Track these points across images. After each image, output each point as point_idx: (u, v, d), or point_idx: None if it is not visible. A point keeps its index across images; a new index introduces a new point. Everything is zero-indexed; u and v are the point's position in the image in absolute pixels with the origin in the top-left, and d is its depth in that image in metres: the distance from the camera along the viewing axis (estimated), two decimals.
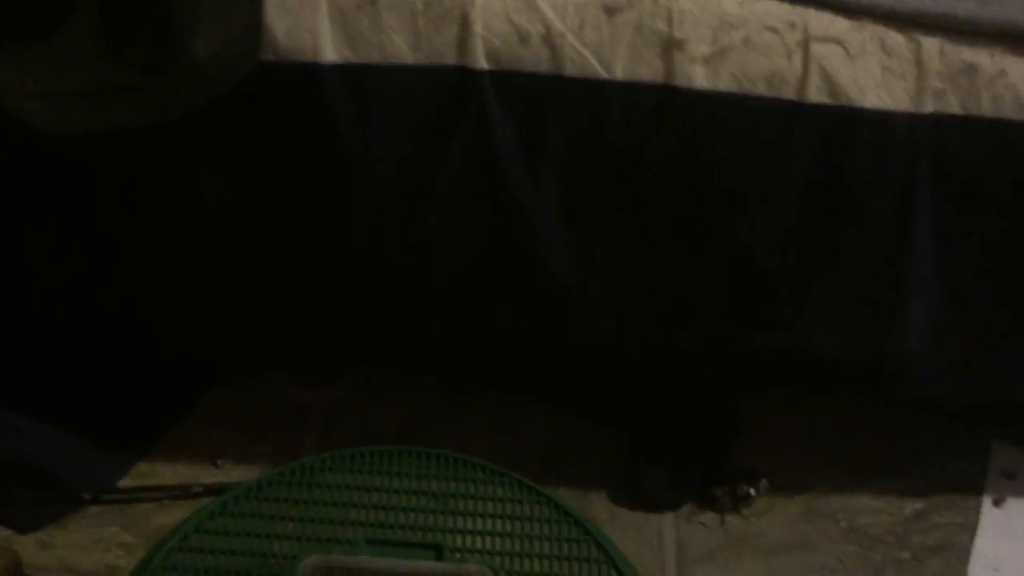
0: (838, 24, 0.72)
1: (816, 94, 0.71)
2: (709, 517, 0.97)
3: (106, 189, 0.81)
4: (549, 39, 0.71)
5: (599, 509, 0.97)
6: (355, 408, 1.03)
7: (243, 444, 0.98)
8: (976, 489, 1.01)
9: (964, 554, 0.95)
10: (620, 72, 0.71)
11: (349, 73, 0.72)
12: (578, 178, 0.76)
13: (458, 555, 0.68)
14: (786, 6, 0.72)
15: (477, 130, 0.73)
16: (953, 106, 0.72)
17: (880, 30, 0.72)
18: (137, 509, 0.93)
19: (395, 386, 1.04)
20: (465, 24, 0.71)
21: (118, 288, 0.89)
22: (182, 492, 0.93)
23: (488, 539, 0.70)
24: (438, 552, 0.69)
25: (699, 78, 0.71)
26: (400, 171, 0.76)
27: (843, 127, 0.72)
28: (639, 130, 0.72)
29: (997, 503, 1.00)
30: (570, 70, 0.71)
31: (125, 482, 0.94)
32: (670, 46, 0.71)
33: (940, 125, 0.72)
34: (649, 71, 0.72)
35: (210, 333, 0.92)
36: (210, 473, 0.96)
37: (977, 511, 0.99)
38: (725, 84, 0.71)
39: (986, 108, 0.71)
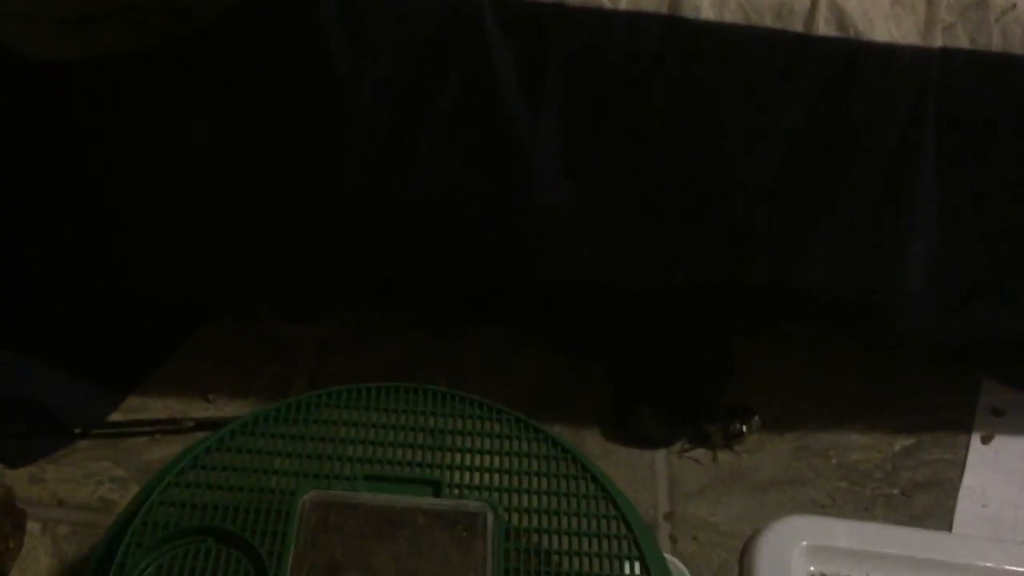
0: None
1: (824, 26, 0.70)
2: (701, 453, 0.98)
3: (90, 118, 0.79)
4: None
5: (592, 445, 0.97)
6: (345, 344, 1.02)
7: (234, 379, 0.98)
8: (965, 427, 1.02)
9: (952, 490, 0.97)
10: (624, 2, 0.70)
11: (345, 2, 0.70)
12: (577, 109, 0.74)
13: (456, 491, 0.68)
14: None
15: (475, 58, 0.71)
16: (962, 40, 0.71)
17: None
18: (128, 443, 0.92)
19: (385, 323, 1.04)
20: None
21: (104, 222, 0.88)
22: (173, 426, 0.93)
23: (486, 475, 0.70)
24: (436, 488, 0.69)
25: (705, 9, 0.70)
26: (394, 98, 0.74)
27: (850, 61, 0.71)
28: (642, 62, 0.71)
29: (985, 440, 1.01)
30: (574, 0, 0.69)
31: (116, 416, 0.94)
32: None
33: (948, 60, 0.71)
34: (654, 2, 0.70)
35: (199, 267, 0.91)
36: (201, 407, 0.96)
37: (966, 448, 1.00)
38: (731, 15, 0.70)
39: (995, 43, 0.70)
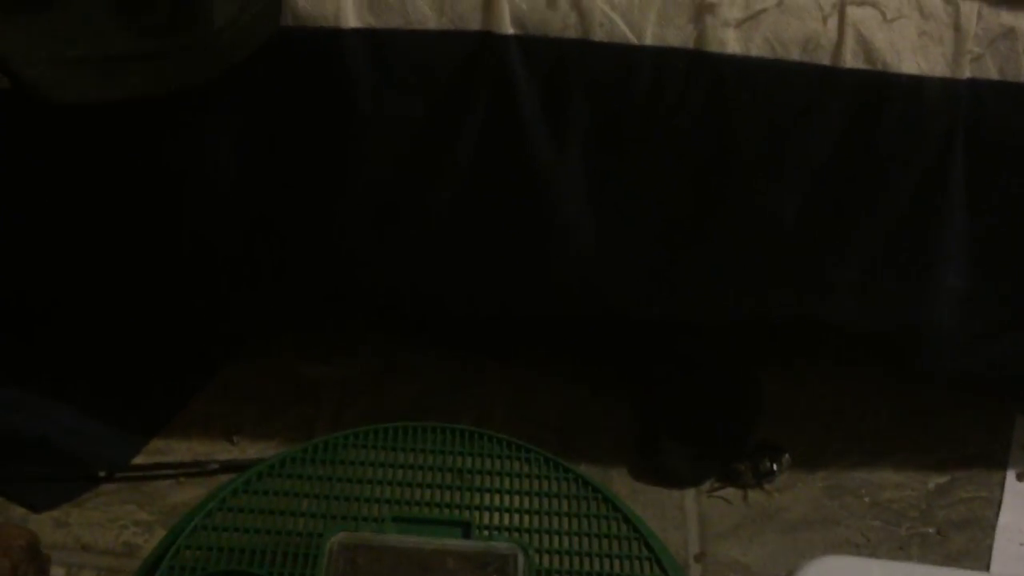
0: None
1: (851, 59, 0.69)
2: (731, 492, 0.96)
3: (114, 158, 0.80)
4: (577, 3, 0.69)
5: (619, 485, 0.96)
6: (369, 384, 1.01)
7: (258, 420, 0.97)
8: (1000, 463, 1.00)
9: (989, 528, 0.95)
10: (650, 37, 0.69)
11: (370, 39, 0.70)
12: (602, 146, 0.74)
13: (486, 533, 0.67)
14: None
15: (500, 96, 0.71)
16: (991, 71, 0.70)
17: None
18: (152, 486, 0.92)
19: (408, 362, 1.03)
20: None
21: (128, 261, 0.88)
22: (198, 469, 0.92)
23: (515, 516, 0.69)
24: (466, 529, 0.68)
25: (731, 43, 0.69)
26: (418, 138, 0.74)
27: (878, 93, 0.70)
28: (667, 97, 0.71)
29: (1020, 477, 0.99)
30: (598, 35, 0.69)
31: (140, 459, 0.93)
32: (701, 10, 0.69)
33: (977, 91, 0.70)
34: (680, 36, 0.70)
35: (223, 304, 0.91)
36: (225, 449, 0.95)
37: (1001, 485, 0.98)
38: (758, 49, 0.69)
39: None
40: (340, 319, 0.94)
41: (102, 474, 0.91)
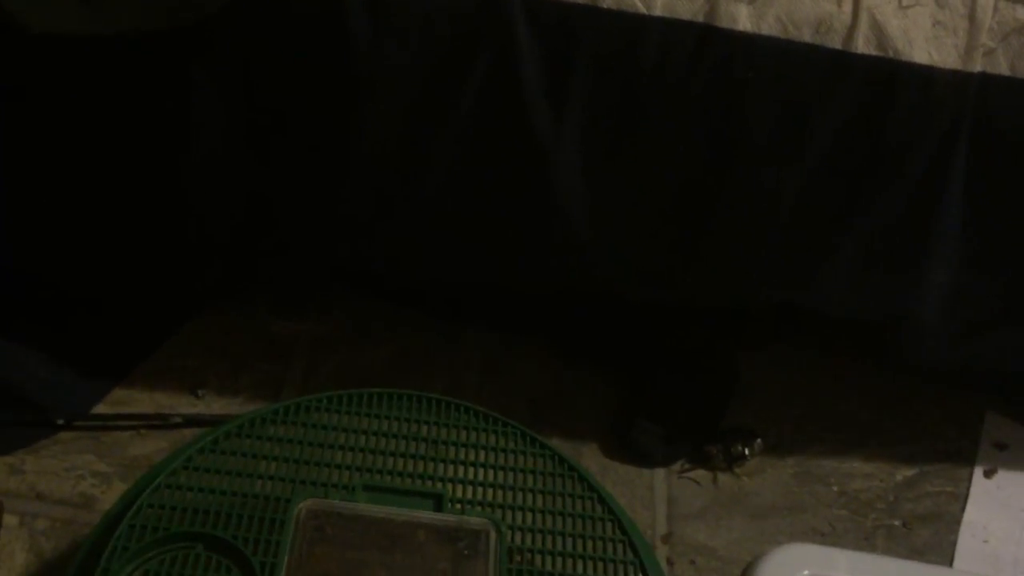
0: None
1: (863, 45, 0.68)
2: (701, 474, 0.95)
3: (91, 95, 0.76)
4: None
5: (590, 461, 0.95)
6: (341, 345, 0.99)
7: (225, 375, 0.95)
8: (968, 459, 1.00)
9: (954, 524, 0.95)
10: (659, 8, 0.67)
11: None
12: (601, 114, 0.72)
13: (458, 507, 0.66)
14: None
15: (502, 58, 0.68)
16: (1002, 66, 0.69)
17: None
18: (112, 437, 0.89)
19: (383, 324, 1.01)
20: None
21: (99, 203, 0.85)
22: (160, 421, 0.90)
23: (488, 491, 0.67)
24: (438, 502, 0.66)
25: (742, 20, 0.67)
26: (414, 90, 0.71)
27: (888, 81, 0.69)
28: (674, 70, 0.68)
29: (988, 474, 1.00)
30: (607, 2, 0.67)
31: (100, 409, 0.90)
32: None
33: (987, 85, 0.69)
34: (690, 8, 0.67)
35: (196, 252, 0.88)
36: (190, 403, 0.92)
37: (968, 481, 0.98)
38: (769, 28, 0.67)
39: None
40: (320, 278, 0.91)
41: (60, 422, 0.88)
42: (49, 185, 0.81)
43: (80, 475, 0.86)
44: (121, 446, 0.88)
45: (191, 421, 0.90)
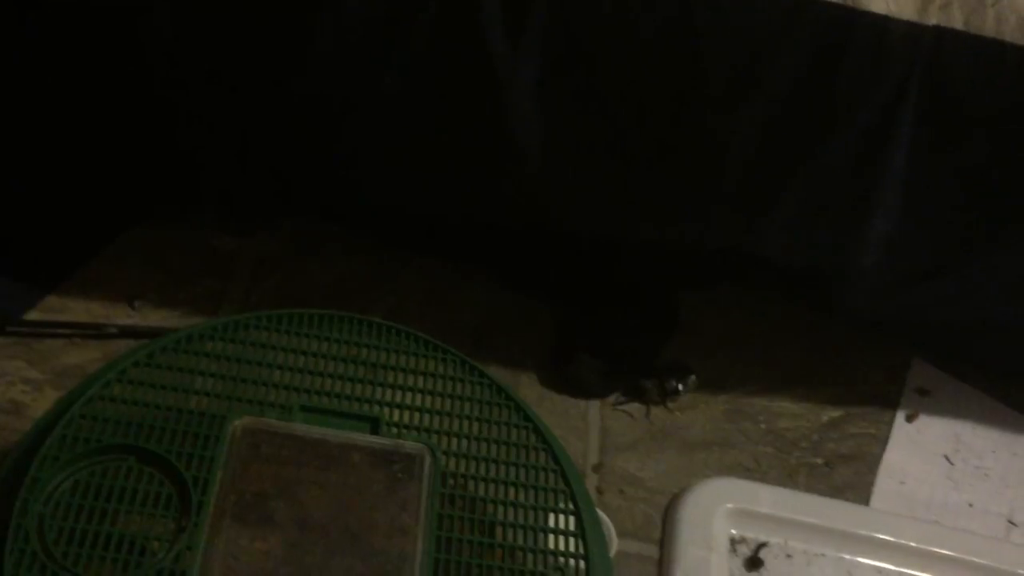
0: None
1: None
2: (635, 408, 0.97)
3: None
4: None
5: (527, 390, 0.96)
6: (284, 262, 0.98)
7: (163, 287, 0.93)
8: (892, 404, 1.03)
9: (874, 465, 0.98)
10: None
11: None
12: (558, 48, 0.71)
13: (395, 430, 0.66)
14: None
15: None
16: (956, 20, 0.69)
17: None
18: (44, 344, 0.88)
19: (326, 245, 1.00)
20: None
21: (37, 101, 0.82)
22: (95, 331, 0.88)
23: (426, 416, 0.68)
24: (374, 425, 0.66)
25: None
26: (369, 12, 0.69)
27: (844, 29, 0.69)
28: (633, 12, 0.68)
29: (909, 419, 1.03)
30: None
31: (33, 315, 0.89)
32: None
33: (940, 39, 0.69)
34: None
35: (139, 155, 0.86)
36: (126, 314, 0.91)
37: (890, 424, 1.02)
38: None
39: (988, 27, 0.69)
40: (262, 195, 0.90)
41: None
42: None
43: (10, 381, 0.84)
44: (54, 354, 0.87)
45: (126, 332, 0.89)
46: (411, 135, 0.77)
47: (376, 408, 0.67)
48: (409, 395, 0.69)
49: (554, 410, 0.95)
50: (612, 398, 0.97)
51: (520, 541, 0.63)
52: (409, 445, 0.65)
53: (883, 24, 0.68)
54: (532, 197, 0.81)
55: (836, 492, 0.96)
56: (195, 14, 0.71)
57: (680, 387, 0.97)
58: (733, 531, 0.89)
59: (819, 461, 0.98)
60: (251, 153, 0.82)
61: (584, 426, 0.95)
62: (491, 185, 0.81)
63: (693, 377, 0.99)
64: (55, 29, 0.76)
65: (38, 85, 0.80)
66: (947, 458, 1.01)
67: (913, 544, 0.91)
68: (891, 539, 0.91)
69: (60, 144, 0.85)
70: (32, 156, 0.86)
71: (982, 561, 0.91)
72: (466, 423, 0.68)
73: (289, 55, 0.72)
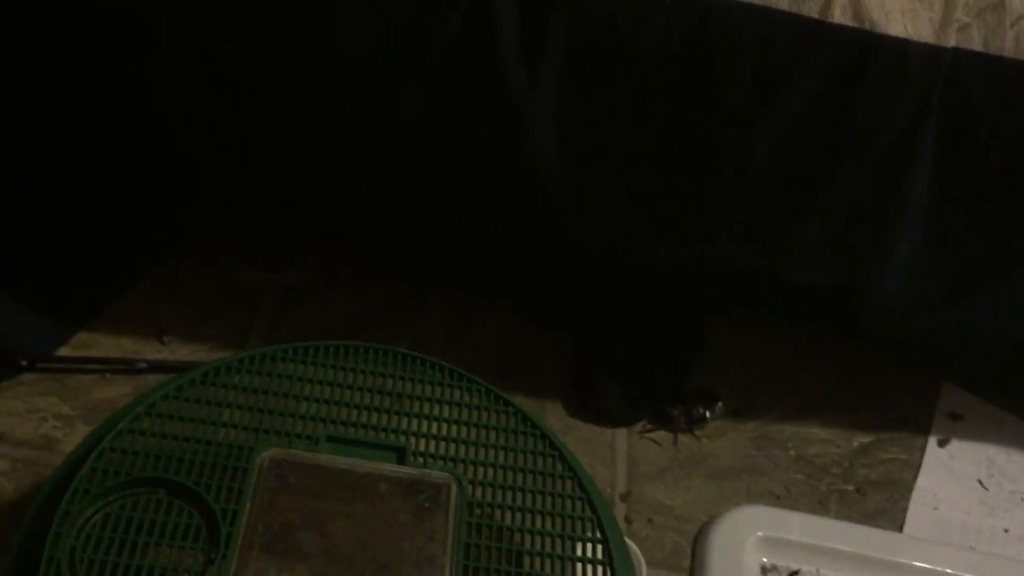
0: None
1: (840, 15, 0.68)
2: (662, 435, 0.97)
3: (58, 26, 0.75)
4: None
5: (553, 419, 0.96)
6: (308, 296, 0.99)
7: (191, 322, 0.95)
8: (923, 428, 1.02)
9: (906, 491, 0.97)
10: None
11: None
12: (576, 72, 0.72)
13: (421, 460, 0.66)
14: None
15: (477, 13, 0.68)
16: (975, 42, 0.69)
17: None
18: (76, 380, 0.89)
19: (350, 278, 1.01)
20: None
21: (70, 139, 0.83)
22: (125, 366, 0.90)
23: (451, 446, 0.68)
24: (400, 455, 0.66)
25: None
26: (386, 37, 0.70)
27: (862, 53, 0.69)
28: (650, 33, 0.68)
29: (942, 444, 1.02)
30: None
31: (64, 351, 0.90)
32: None
33: (959, 61, 0.69)
34: None
35: (166, 194, 0.87)
36: (155, 349, 0.92)
37: (922, 450, 1.01)
38: None
39: (1008, 48, 0.69)
40: (287, 226, 0.91)
41: (23, 363, 0.88)
42: (15, 120, 0.80)
43: (43, 417, 0.86)
44: (85, 389, 0.88)
45: (156, 367, 0.90)
46: (429, 169, 0.78)
47: (402, 438, 0.68)
48: (435, 425, 0.69)
49: (581, 438, 0.95)
50: (638, 426, 0.97)
51: (548, 570, 0.63)
52: (436, 475, 0.66)
53: (902, 47, 0.68)
54: (552, 222, 0.81)
55: (868, 519, 0.94)
56: (209, 27, 0.72)
57: (707, 414, 0.97)
58: (764, 559, 0.88)
59: (850, 488, 0.97)
60: (271, 188, 0.83)
61: (611, 454, 0.95)
62: (511, 212, 0.82)
63: (720, 404, 0.98)
64: (55, 30, 0.77)
65: (73, 123, 0.82)
66: (981, 483, 1.00)
67: (948, 571, 0.90)
68: (926, 566, 0.90)
69: (93, 186, 0.87)
70: (66, 197, 0.88)
71: None
72: (492, 452, 0.68)
73: (302, 68, 0.73)
